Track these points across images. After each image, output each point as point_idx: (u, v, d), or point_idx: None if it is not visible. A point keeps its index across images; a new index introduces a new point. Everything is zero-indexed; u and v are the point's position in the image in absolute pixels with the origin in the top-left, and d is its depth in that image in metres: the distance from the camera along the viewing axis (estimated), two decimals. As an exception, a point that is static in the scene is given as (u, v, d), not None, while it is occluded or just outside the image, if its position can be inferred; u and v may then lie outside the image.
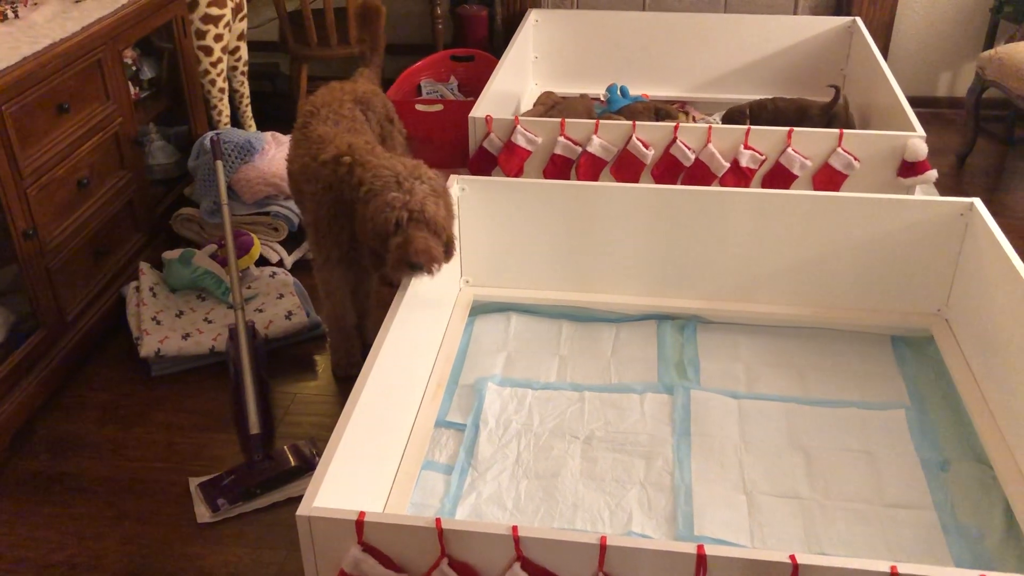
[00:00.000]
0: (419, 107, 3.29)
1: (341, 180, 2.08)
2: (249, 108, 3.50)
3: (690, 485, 1.85)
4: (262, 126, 3.52)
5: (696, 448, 1.95)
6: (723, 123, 3.21)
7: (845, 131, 2.50)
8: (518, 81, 3.50)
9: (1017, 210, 3.13)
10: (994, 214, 2.17)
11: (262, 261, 2.76)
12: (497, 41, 3.85)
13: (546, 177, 2.64)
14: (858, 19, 3.44)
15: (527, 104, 3.47)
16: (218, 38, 3.10)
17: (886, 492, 1.84)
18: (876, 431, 1.99)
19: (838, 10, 3.74)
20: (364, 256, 2.11)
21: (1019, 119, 3.59)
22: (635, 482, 1.88)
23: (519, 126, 2.61)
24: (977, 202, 2.17)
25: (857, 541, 1.72)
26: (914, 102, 2.96)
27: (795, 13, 3.76)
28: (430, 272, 1.94)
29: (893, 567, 1.22)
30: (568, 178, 2.64)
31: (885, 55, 3.66)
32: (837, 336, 2.29)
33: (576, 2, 3.91)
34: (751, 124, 2.90)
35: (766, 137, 2.53)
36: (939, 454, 1.92)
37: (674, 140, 2.56)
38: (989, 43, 3.65)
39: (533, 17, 3.63)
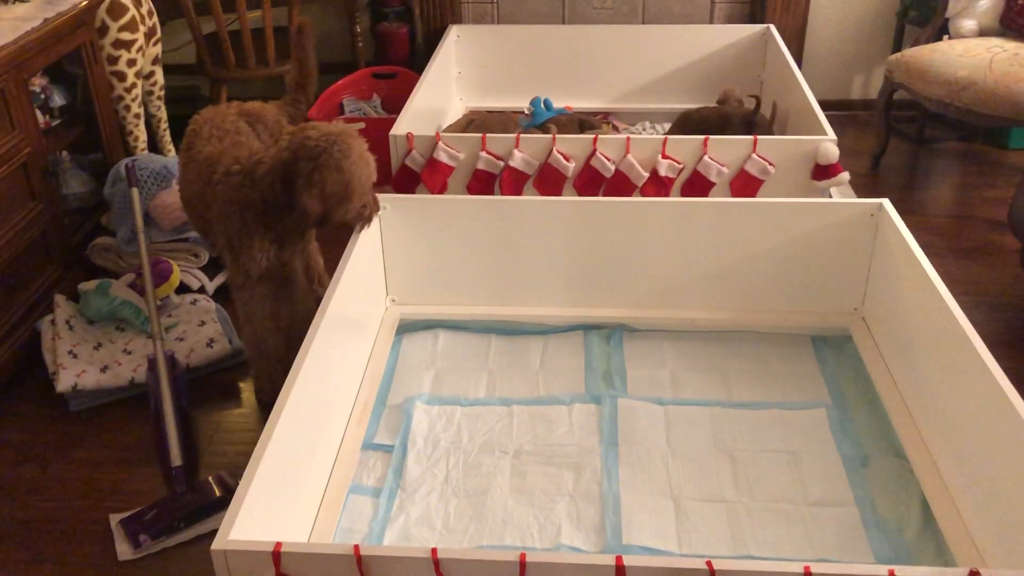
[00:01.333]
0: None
1: (244, 187, 2.06)
2: (167, 133, 3.43)
3: (618, 494, 1.86)
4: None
5: (624, 457, 1.96)
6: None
7: (760, 137, 2.56)
8: (441, 97, 3.50)
9: (929, 207, 3.23)
10: (908, 212, 2.23)
11: (183, 288, 2.71)
12: (419, 58, 3.85)
13: (470, 193, 2.64)
14: (772, 27, 3.52)
15: (452, 120, 3.47)
16: (131, 63, 3.04)
17: (809, 491, 1.87)
18: (799, 431, 2.03)
19: (752, 18, 3.82)
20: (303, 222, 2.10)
21: (928, 119, 3.70)
22: (564, 494, 1.88)
23: (440, 142, 2.60)
24: (886, 202, 2.23)
25: (782, 541, 1.75)
26: (829, 105, 3.05)
27: (711, 22, 3.83)
28: None
29: (806, 567, 1.24)
30: (492, 193, 2.64)
31: (799, 61, 3.75)
32: (759, 338, 2.33)
33: (496, 17, 3.92)
34: (680, 134, 2.95)
35: (683, 146, 2.56)
36: (859, 451, 1.96)
37: (594, 152, 2.58)
38: (896, 46, 3.77)
39: (454, 33, 3.64)
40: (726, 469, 1.93)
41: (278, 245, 2.15)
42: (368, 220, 2.16)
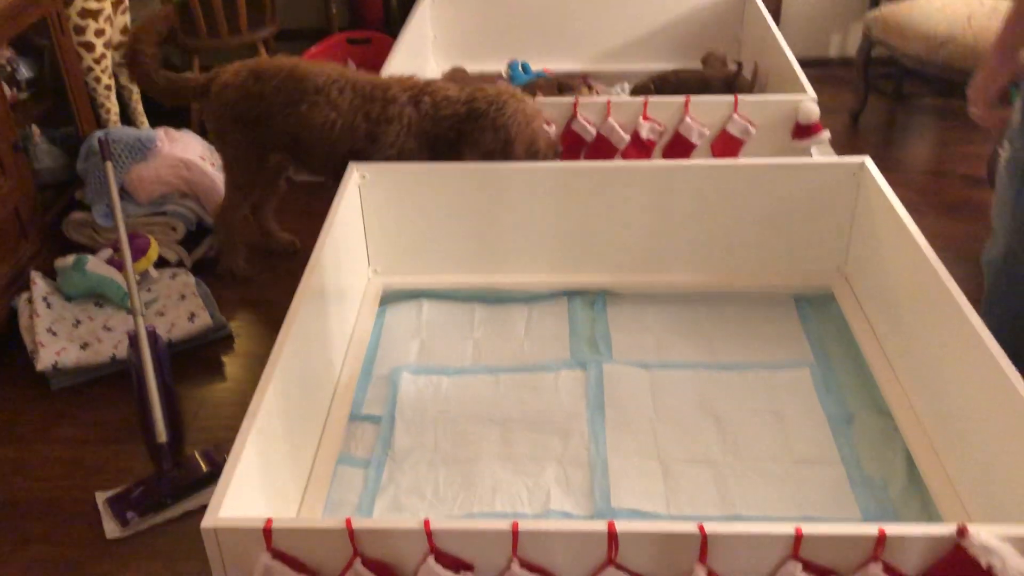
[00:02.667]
0: (317, 94, 3.22)
1: (427, 117, 2.37)
2: (140, 104, 3.37)
3: (606, 458, 1.86)
4: (156, 122, 3.39)
5: (610, 421, 1.97)
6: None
7: (740, 97, 2.54)
8: (417, 62, 3.45)
9: (908, 163, 3.24)
10: (888, 169, 2.23)
11: (161, 263, 2.67)
12: (394, 22, 3.79)
13: (449, 159, 2.61)
14: (750, -16, 3.49)
15: (428, 85, 3.42)
16: (99, 33, 2.97)
17: (795, 450, 1.88)
18: (783, 391, 2.04)
19: (730, -24, 3.78)
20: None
21: (906, 76, 3.70)
22: (552, 460, 1.88)
23: (418, 109, 2.56)
24: (867, 161, 2.22)
25: (769, 500, 1.76)
26: (807, 63, 3.02)
27: (689, -19, 3.78)
28: None
29: (798, 529, 1.25)
30: (471, 159, 2.61)
31: (777, 19, 3.72)
32: (742, 300, 2.33)
33: (471, -21, 3.85)
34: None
35: (664, 108, 2.55)
36: (844, 409, 1.98)
37: (574, 116, 2.56)
38: (874, 2, 3.75)
39: (429, -4, 3.58)
40: (712, 430, 1.94)
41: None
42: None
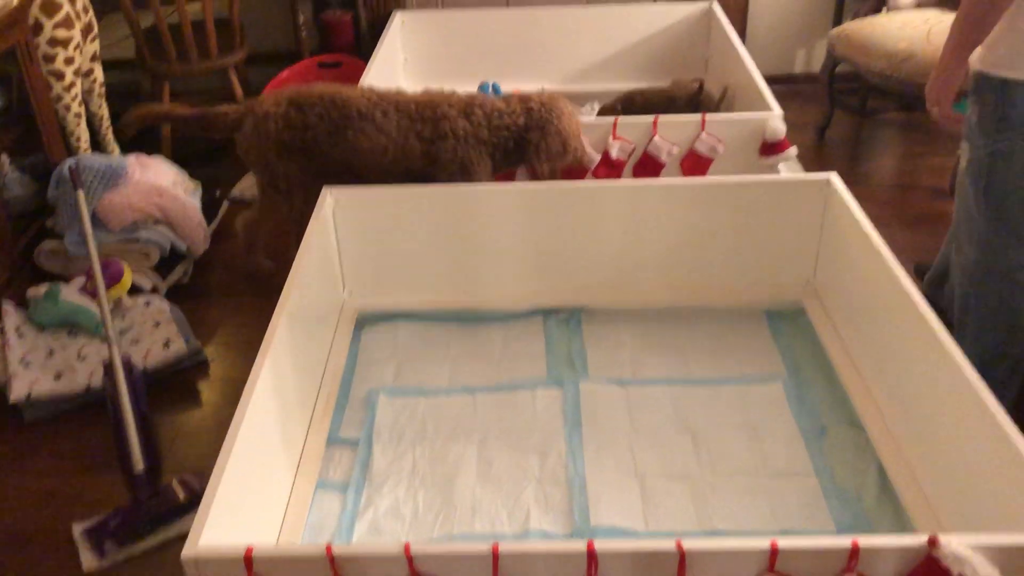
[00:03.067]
0: (289, 118, 3.22)
1: (482, 127, 2.40)
2: (110, 131, 3.36)
3: (584, 476, 1.88)
4: (127, 148, 3.39)
5: (588, 439, 1.98)
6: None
7: (708, 115, 2.58)
8: (389, 84, 3.46)
9: (874, 178, 3.30)
10: (854, 183, 2.27)
11: (135, 289, 2.66)
12: (364, 45, 3.81)
13: (422, 181, 2.63)
14: (715, 3, 3.55)
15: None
16: (69, 61, 2.97)
17: (770, 463, 1.91)
18: (757, 405, 2.06)
19: (696, -5, 3.84)
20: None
21: (871, 91, 3.77)
22: (531, 479, 1.90)
23: (390, 132, 2.58)
24: (833, 176, 2.27)
25: (746, 514, 1.78)
26: (773, 80, 3.08)
27: (654, 1, 3.84)
28: None
29: (773, 543, 1.27)
30: (444, 180, 2.63)
31: (743, 37, 3.79)
32: (715, 316, 2.36)
33: (441, 2, 3.90)
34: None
35: (633, 127, 2.58)
36: (816, 422, 2.01)
37: (545, 136, 2.58)
38: (837, 20, 3.83)
39: (399, 19, 3.61)
40: (688, 446, 1.96)
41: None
42: (583, 164, 2.53)
